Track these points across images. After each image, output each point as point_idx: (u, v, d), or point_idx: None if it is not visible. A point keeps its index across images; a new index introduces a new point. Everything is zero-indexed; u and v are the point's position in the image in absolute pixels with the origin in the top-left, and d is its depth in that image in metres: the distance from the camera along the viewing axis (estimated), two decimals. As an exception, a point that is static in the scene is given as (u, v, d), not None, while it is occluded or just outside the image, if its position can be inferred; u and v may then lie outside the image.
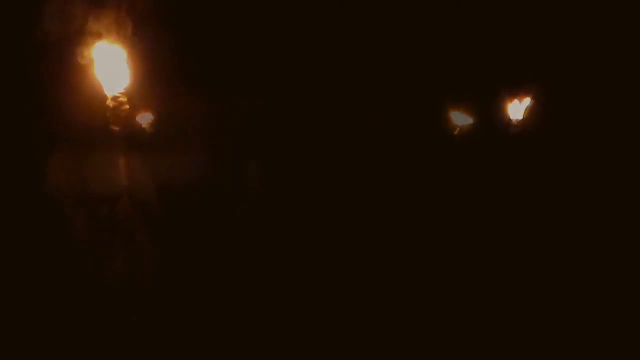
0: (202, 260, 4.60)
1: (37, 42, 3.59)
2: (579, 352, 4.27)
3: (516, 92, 5.67)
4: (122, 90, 3.48)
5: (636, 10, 5.38)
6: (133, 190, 3.76)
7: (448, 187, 5.59)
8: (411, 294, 4.84)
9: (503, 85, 5.69)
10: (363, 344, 4.32)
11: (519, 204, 5.53)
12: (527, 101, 5.62)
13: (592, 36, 5.57)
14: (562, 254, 5.19)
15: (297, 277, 4.77)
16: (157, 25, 3.84)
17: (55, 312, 3.85)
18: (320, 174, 5.21)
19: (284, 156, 5.07)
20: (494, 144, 5.75)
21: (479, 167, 5.71)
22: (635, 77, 5.53)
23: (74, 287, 3.84)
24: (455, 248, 5.28)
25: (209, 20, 4.56)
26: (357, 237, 5.16)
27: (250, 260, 4.76)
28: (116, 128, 3.54)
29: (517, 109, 5.66)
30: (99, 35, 3.50)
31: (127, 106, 3.47)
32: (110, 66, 3.47)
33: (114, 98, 3.45)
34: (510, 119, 5.65)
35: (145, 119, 4.45)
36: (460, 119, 5.97)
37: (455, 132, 5.98)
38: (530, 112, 5.64)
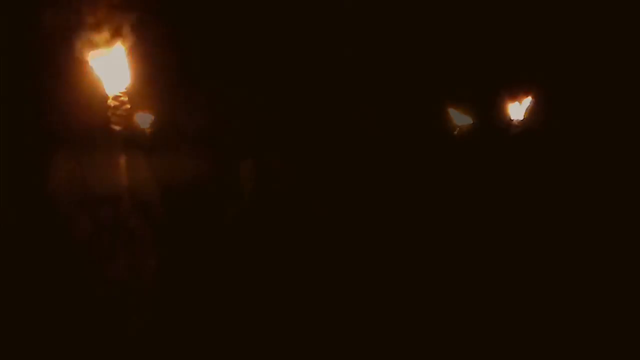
0: (203, 260, 4.60)
1: (38, 42, 3.59)
2: (579, 352, 4.27)
3: (517, 92, 5.67)
4: (123, 90, 3.48)
5: (635, 11, 5.39)
6: (134, 190, 3.75)
7: (448, 187, 5.59)
8: (411, 294, 4.84)
9: (503, 86, 5.69)
10: (363, 343, 4.32)
11: (519, 203, 5.53)
12: (527, 101, 5.62)
13: (592, 37, 5.57)
14: (562, 254, 5.19)
15: (298, 277, 4.77)
16: (158, 26, 3.84)
17: (57, 312, 3.85)
18: (321, 173, 5.21)
19: (284, 156, 5.07)
20: (495, 144, 5.75)
21: (480, 167, 5.71)
22: (635, 77, 5.54)
23: (75, 287, 3.84)
24: (455, 247, 5.28)
25: (209, 21, 4.56)
26: (357, 237, 5.16)
27: (251, 260, 4.76)
28: (117, 128, 3.54)
29: (517, 109, 5.66)
30: (100, 35, 3.50)
31: (128, 106, 3.47)
32: (111, 66, 3.47)
33: (115, 98, 3.46)
34: (510, 119, 5.65)
35: (146, 119, 4.45)
36: (461, 119, 5.97)
37: (456, 132, 5.98)
38: (531, 112, 5.65)
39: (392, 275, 5.00)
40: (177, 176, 4.21)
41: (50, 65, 3.56)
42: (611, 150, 5.59)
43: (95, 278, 3.81)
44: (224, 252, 4.71)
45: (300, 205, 5.09)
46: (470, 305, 4.76)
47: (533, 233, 5.35)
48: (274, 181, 4.99)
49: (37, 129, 3.75)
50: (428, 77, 5.57)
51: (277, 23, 4.96)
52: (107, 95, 3.46)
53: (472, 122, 5.91)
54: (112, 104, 3.46)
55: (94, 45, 3.45)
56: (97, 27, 3.44)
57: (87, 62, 3.48)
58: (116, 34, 3.51)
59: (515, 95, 5.61)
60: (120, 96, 3.46)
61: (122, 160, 3.65)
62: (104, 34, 3.48)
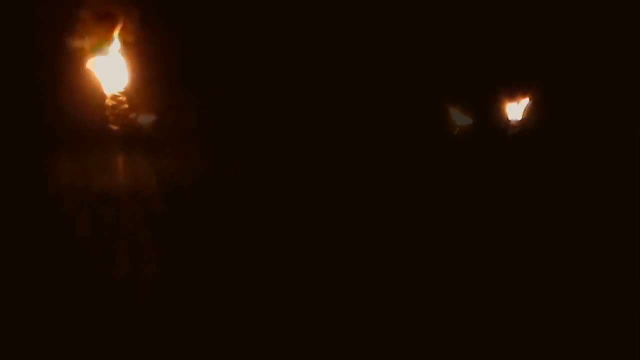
0: (204, 259, 4.60)
1: (37, 42, 3.61)
2: (579, 351, 4.27)
3: (515, 93, 5.68)
4: (121, 90, 3.49)
5: (634, 11, 5.40)
6: (133, 189, 3.77)
7: (446, 186, 5.59)
8: (410, 293, 4.84)
9: (502, 86, 5.70)
10: (362, 343, 4.33)
11: (518, 204, 5.53)
12: (525, 102, 5.63)
13: (590, 37, 5.58)
14: (560, 253, 5.19)
15: (298, 277, 4.77)
16: (157, 25, 3.85)
17: (58, 312, 3.85)
18: (321, 173, 5.21)
19: (284, 155, 5.07)
20: (493, 144, 5.76)
21: (478, 168, 5.72)
22: (633, 78, 5.55)
23: (75, 286, 3.85)
24: (453, 246, 5.28)
25: (208, 20, 4.57)
26: (356, 237, 5.16)
27: (251, 260, 4.76)
28: (116, 127, 3.55)
29: (515, 109, 5.66)
30: (98, 35, 3.51)
31: (126, 105, 3.49)
32: (109, 66, 3.48)
33: (113, 97, 3.47)
34: (509, 120, 5.66)
35: (145, 118, 4.45)
36: (459, 119, 5.97)
37: (454, 133, 5.99)
38: (529, 112, 5.65)
39: (391, 275, 5.00)
40: (177, 175, 4.21)
41: (49, 65, 3.57)
42: (609, 150, 5.60)
43: (95, 277, 3.82)
44: (223, 251, 4.71)
45: (300, 205, 5.09)
46: (470, 304, 4.76)
47: (531, 232, 5.36)
48: (274, 181, 4.99)
49: (36, 129, 3.76)
50: (426, 77, 5.57)
51: (277, 23, 4.96)
52: (105, 94, 3.47)
53: (470, 122, 5.91)
54: (110, 104, 3.47)
55: (92, 45, 3.47)
56: (95, 26, 3.46)
57: (85, 61, 3.50)
58: (115, 33, 3.52)
59: (513, 96, 5.62)
60: (119, 95, 3.48)
61: (121, 159, 3.67)
62: (103, 34, 3.50)
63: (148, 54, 3.72)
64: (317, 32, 5.09)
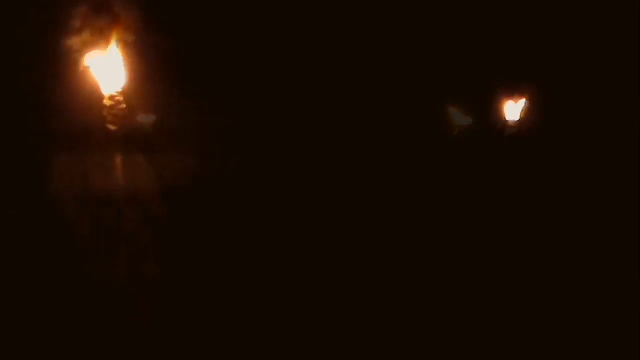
0: (203, 258, 4.60)
1: (34, 42, 3.63)
2: (579, 351, 4.27)
3: (512, 93, 5.68)
4: (119, 90, 3.52)
5: (630, 13, 5.40)
6: (130, 188, 3.78)
7: (444, 186, 5.58)
8: (409, 292, 4.84)
9: (499, 87, 5.70)
10: (362, 343, 4.33)
11: (516, 202, 5.53)
12: (523, 102, 5.63)
13: (587, 38, 5.58)
14: (556, 251, 5.19)
15: (298, 277, 4.76)
16: (155, 26, 3.87)
17: (58, 312, 3.86)
18: (320, 173, 5.21)
19: (283, 155, 5.07)
20: (490, 144, 5.75)
21: (476, 167, 5.71)
22: (630, 78, 5.55)
23: (75, 285, 3.86)
24: (451, 244, 5.27)
25: (205, 21, 4.58)
26: (356, 236, 5.15)
27: (251, 259, 4.75)
28: (113, 127, 3.58)
29: (513, 110, 5.66)
30: (97, 36, 3.54)
31: (123, 105, 3.52)
32: (107, 66, 3.51)
33: (111, 97, 3.50)
34: (506, 120, 5.66)
35: (142, 118, 4.47)
36: (457, 119, 5.97)
37: (452, 133, 5.98)
38: (526, 113, 5.65)
39: (391, 273, 5.00)
40: (174, 174, 4.23)
41: (48, 66, 3.60)
42: (607, 149, 5.59)
43: (92, 276, 3.84)
44: (222, 250, 4.70)
45: (300, 205, 5.09)
46: (470, 303, 4.76)
47: (528, 231, 5.35)
48: (273, 180, 4.99)
49: (33, 128, 3.78)
50: (424, 78, 5.57)
51: (275, 23, 4.96)
52: (103, 94, 3.49)
53: (468, 122, 5.91)
54: (107, 104, 3.50)
55: (90, 45, 3.49)
56: (93, 26, 3.48)
57: (84, 62, 3.52)
58: (114, 34, 3.55)
59: (511, 96, 5.62)
60: (116, 96, 3.50)
61: (119, 159, 3.69)
62: (102, 35, 3.52)
63: (146, 54, 3.74)
64: (317, 32, 5.09)
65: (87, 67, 3.53)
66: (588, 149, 5.60)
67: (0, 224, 3.89)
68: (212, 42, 4.62)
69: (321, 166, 5.25)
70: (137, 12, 3.63)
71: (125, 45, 3.55)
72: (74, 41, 3.51)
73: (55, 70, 3.61)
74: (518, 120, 5.60)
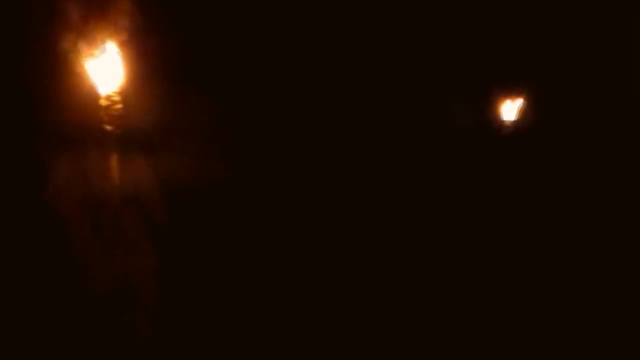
0: (202, 258, 4.59)
1: (30, 43, 3.62)
2: (579, 351, 4.28)
3: (509, 93, 5.69)
4: (115, 90, 3.51)
5: (628, 13, 5.42)
6: (127, 188, 3.78)
7: (441, 185, 5.59)
8: (408, 292, 4.85)
9: (496, 87, 5.71)
10: (362, 343, 4.33)
11: (512, 202, 5.54)
12: (519, 102, 5.64)
13: (582, 39, 5.60)
14: (552, 250, 5.20)
15: (298, 277, 4.76)
16: (151, 26, 3.87)
17: (56, 313, 3.85)
18: (320, 173, 5.21)
19: (282, 155, 5.07)
20: (487, 144, 5.76)
21: (472, 167, 5.72)
22: (627, 78, 5.57)
23: (73, 285, 3.85)
24: (448, 245, 5.28)
25: (202, 20, 4.58)
26: (355, 236, 5.16)
27: (250, 259, 4.75)
28: (109, 127, 3.56)
29: (509, 110, 5.67)
30: (93, 36, 3.53)
31: (119, 105, 3.51)
32: (103, 66, 3.50)
33: (107, 97, 3.49)
34: (502, 120, 5.67)
35: (139, 118, 4.45)
36: (454, 119, 5.97)
37: (450, 133, 5.98)
38: (523, 112, 5.66)
39: (390, 273, 5.00)
40: (171, 174, 4.22)
41: (43, 66, 3.59)
42: (602, 149, 5.61)
43: (90, 275, 3.83)
44: (221, 250, 4.70)
45: (300, 205, 5.09)
46: (470, 303, 4.76)
47: (525, 230, 5.36)
48: (273, 180, 4.99)
49: (29, 129, 3.77)
50: (422, 78, 5.58)
51: (271, 22, 4.96)
52: (99, 94, 3.49)
53: (464, 122, 5.91)
54: (104, 104, 3.49)
55: (87, 46, 3.48)
56: (89, 26, 3.48)
57: (80, 62, 3.51)
58: (110, 34, 3.54)
59: (507, 96, 5.62)
60: (112, 96, 3.49)
61: (115, 159, 3.68)
62: (99, 35, 3.52)
63: (142, 54, 3.74)
64: (316, 32, 5.09)
65: (83, 67, 3.52)
66: (585, 149, 5.62)
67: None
68: (210, 41, 4.61)
69: (321, 166, 5.25)
70: (133, 11, 3.63)
71: (122, 44, 3.53)
72: (70, 41, 3.50)
73: (51, 70, 3.60)
74: (515, 120, 5.61)
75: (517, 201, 5.52)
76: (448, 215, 5.44)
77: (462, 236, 5.32)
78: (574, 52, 5.61)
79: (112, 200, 3.78)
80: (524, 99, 5.65)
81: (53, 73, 3.60)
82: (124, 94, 3.55)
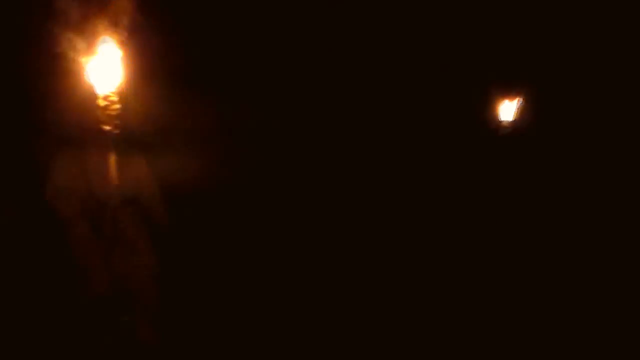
0: (201, 259, 4.59)
1: (27, 43, 3.60)
2: (579, 351, 4.29)
3: (506, 93, 5.70)
4: (112, 90, 3.49)
5: (627, 13, 5.44)
6: (125, 189, 3.76)
7: (440, 187, 5.61)
8: (408, 292, 4.86)
9: (494, 87, 5.72)
10: (362, 343, 4.34)
11: (511, 203, 5.56)
12: (517, 102, 5.65)
13: (581, 38, 5.62)
14: (550, 250, 5.22)
15: (299, 277, 4.77)
16: (150, 26, 3.86)
17: (55, 313, 3.85)
18: (320, 174, 5.22)
19: (282, 155, 5.08)
20: (484, 144, 5.78)
21: (470, 167, 5.74)
22: (625, 79, 5.59)
23: (72, 286, 3.85)
24: (446, 245, 5.30)
25: (201, 20, 4.57)
26: (355, 236, 5.17)
27: (251, 260, 4.75)
28: (107, 127, 3.55)
29: (507, 110, 5.68)
30: (92, 36, 3.51)
31: (117, 105, 3.49)
32: (101, 66, 3.48)
33: (105, 97, 3.47)
34: (500, 120, 5.68)
35: (137, 118, 4.44)
36: (453, 119, 5.98)
37: (448, 133, 5.99)
38: (521, 113, 5.68)
39: (389, 274, 5.01)
40: (170, 175, 4.21)
41: (40, 66, 3.57)
42: (601, 149, 5.64)
43: (88, 276, 3.82)
44: (221, 250, 4.70)
45: (299, 206, 5.09)
46: (470, 304, 4.78)
47: (524, 231, 5.38)
48: (272, 180, 5.00)
49: (27, 130, 3.75)
50: (419, 78, 5.59)
51: (271, 22, 4.96)
52: (97, 95, 3.47)
53: (462, 122, 5.92)
54: (101, 104, 3.47)
55: (84, 45, 3.46)
56: (88, 27, 3.46)
57: (78, 62, 3.49)
58: (109, 33, 3.52)
59: (505, 96, 5.64)
60: (110, 96, 3.47)
61: (113, 159, 3.66)
62: (97, 34, 3.50)
63: (140, 53, 3.72)
64: (315, 32, 5.10)
65: (81, 67, 3.50)
66: (584, 149, 5.65)
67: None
68: (208, 40, 4.61)
69: (321, 166, 5.26)
70: (131, 11, 3.61)
71: (120, 44, 3.51)
72: (68, 40, 3.48)
73: (49, 70, 3.59)
74: (512, 120, 5.62)
75: (515, 201, 5.54)
76: (446, 215, 5.46)
77: (461, 236, 5.33)
78: (572, 52, 5.63)
79: (111, 201, 3.76)
80: (522, 99, 5.66)
81: (50, 73, 3.58)
82: (122, 94, 3.52)
